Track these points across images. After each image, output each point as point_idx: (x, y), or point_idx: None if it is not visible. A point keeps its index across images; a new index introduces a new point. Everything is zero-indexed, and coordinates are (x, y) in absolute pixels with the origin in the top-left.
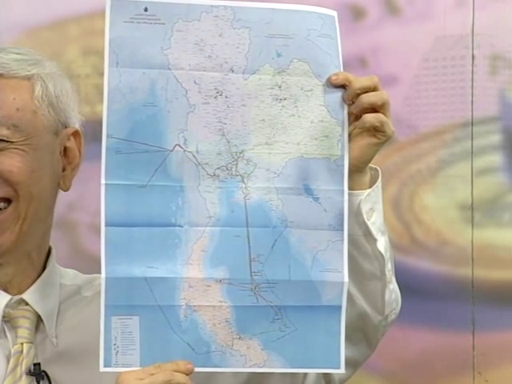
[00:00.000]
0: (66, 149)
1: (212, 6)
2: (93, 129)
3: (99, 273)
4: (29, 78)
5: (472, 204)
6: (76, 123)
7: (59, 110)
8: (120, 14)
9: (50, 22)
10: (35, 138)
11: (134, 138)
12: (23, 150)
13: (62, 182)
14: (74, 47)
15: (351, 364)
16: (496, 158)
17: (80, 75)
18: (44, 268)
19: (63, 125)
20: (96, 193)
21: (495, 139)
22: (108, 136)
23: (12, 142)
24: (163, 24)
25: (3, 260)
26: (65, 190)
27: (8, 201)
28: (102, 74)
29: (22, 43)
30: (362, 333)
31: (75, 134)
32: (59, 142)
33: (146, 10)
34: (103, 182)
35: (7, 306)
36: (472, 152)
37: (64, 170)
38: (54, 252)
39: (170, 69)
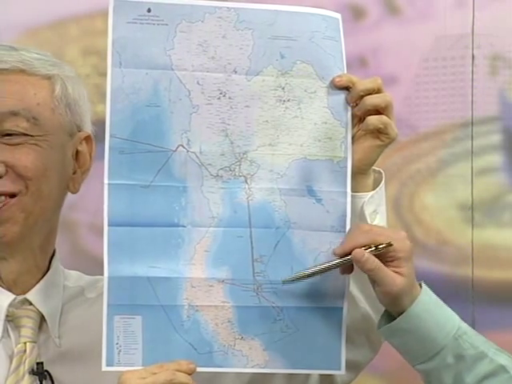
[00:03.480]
0: (77, 152)
1: (215, 7)
2: (93, 129)
3: (99, 273)
4: (49, 77)
5: (472, 204)
6: (88, 129)
7: (75, 113)
8: (123, 15)
9: (49, 22)
10: (52, 135)
11: (137, 138)
12: (40, 146)
13: (71, 184)
14: (74, 47)
15: (354, 367)
16: (496, 158)
17: (80, 75)
18: (48, 269)
19: (77, 128)
20: (96, 193)
21: (495, 139)
22: (111, 136)
23: (31, 136)
24: (166, 25)
25: (8, 253)
26: (73, 193)
27: (15, 195)
28: (102, 74)
29: (22, 43)
30: (365, 335)
31: (87, 138)
32: (72, 145)
33: (149, 10)
34: (106, 181)
35: (11, 305)
36: (472, 152)
37: (74, 172)
38: (57, 253)
39: (173, 69)
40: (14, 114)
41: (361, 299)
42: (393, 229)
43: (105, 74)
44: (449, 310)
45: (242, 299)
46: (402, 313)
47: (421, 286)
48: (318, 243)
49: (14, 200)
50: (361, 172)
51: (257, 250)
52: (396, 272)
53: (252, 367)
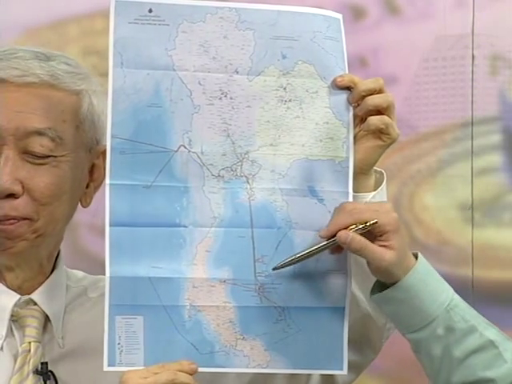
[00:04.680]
0: (93, 165)
1: (217, 7)
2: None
3: (99, 273)
4: (77, 93)
5: (472, 204)
6: (105, 140)
7: (98, 128)
8: (124, 15)
9: (50, 22)
10: (74, 153)
11: (139, 138)
12: (61, 168)
13: (83, 199)
14: (74, 47)
15: (355, 368)
16: (496, 158)
17: None
18: (52, 269)
19: (97, 141)
20: (96, 193)
21: (495, 139)
22: (112, 136)
23: (54, 157)
24: (167, 25)
25: (15, 263)
26: (85, 207)
27: (26, 219)
28: (102, 74)
29: (22, 43)
30: (366, 336)
31: (104, 152)
32: (90, 159)
33: (150, 11)
34: (108, 182)
35: (16, 305)
36: (472, 152)
37: (87, 186)
38: (62, 254)
39: (174, 70)
40: (40, 133)
41: (362, 299)
42: (377, 203)
43: (105, 74)
44: (443, 281)
45: (243, 299)
46: (395, 282)
47: (416, 257)
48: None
49: (26, 221)
50: (362, 172)
51: (258, 250)
52: (385, 246)
53: (254, 367)
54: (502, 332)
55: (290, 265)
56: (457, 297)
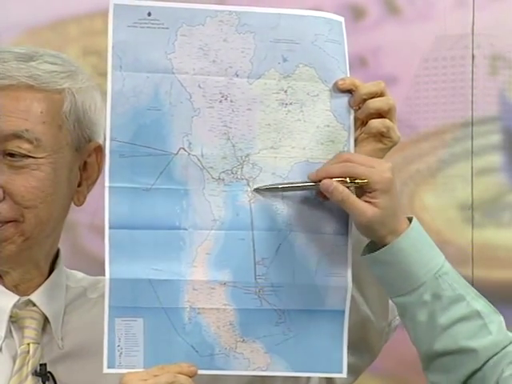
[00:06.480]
0: (85, 163)
1: (216, 10)
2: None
3: (99, 273)
4: (59, 92)
5: (472, 204)
6: (101, 136)
7: (84, 126)
8: (123, 19)
9: (50, 22)
10: (57, 154)
11: (138, 141)
12: (42, 171)
13: (76, 197)
14: (74, 47)
15: (354, 370)
16: (496, 158)
17: None
18: (51, 270)
19: (87, 139)
20: (96, 193)
21: (495, 139)
22: (112, 139)
23: (34, 158)
24: (167, 28)
25: (8, 267)
26: (78, 205)
27: (11, 221)
28: (102, 75)
29: (22, 43)
30: (365, 339)
31: (97, 149)
32: (79, 157)
33: (149, 14)
34: (107, 184)
35: (15, 306)
36: (472, 152)
37: (80, 185)
38: (61, 254)
39: (173, 73)
40: (17, 136)
41: (362, 302)
42: (377, 160)
43: (105, 74)
44: (436, 248)
45: (243, 302)
46: (386, 245)
47: (411, 221)
48: (319, 246)
49: (11, 223)
50: None
51: (259, 253)
52: (370, 202)
53: (254, 370)
54: (492, 305)
55: (270, 191)
56: (447, 265)
